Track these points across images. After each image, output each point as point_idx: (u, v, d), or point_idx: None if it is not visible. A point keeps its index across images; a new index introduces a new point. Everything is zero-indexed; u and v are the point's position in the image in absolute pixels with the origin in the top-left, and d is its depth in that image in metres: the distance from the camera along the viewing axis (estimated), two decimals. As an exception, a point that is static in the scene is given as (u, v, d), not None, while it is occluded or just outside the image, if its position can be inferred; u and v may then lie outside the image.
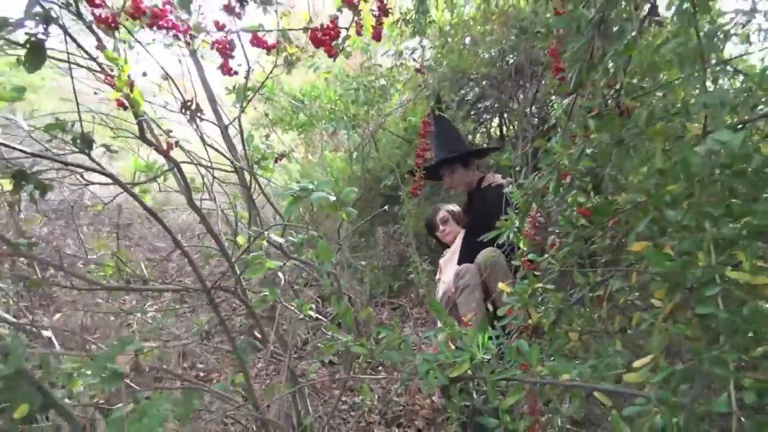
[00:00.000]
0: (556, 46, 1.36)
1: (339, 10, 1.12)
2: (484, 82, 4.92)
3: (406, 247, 4.93)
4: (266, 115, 4.29)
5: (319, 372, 3.51)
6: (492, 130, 5.65)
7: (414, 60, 3.85)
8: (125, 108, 0.91)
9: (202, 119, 1.50)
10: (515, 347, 1.04)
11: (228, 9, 0.79)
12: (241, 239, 1.22)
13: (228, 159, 1.58)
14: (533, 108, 4.79)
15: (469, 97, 5.20)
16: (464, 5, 4.12)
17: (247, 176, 1.76)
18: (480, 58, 4.51)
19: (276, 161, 1.99)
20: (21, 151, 0.91)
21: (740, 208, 0.81)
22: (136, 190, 1.42)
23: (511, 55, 4.29)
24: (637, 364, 0.97)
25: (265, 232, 1.16)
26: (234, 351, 1.20)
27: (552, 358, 1.13)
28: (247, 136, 1.60)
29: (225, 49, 0.87)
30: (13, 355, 1.00)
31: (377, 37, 1.27)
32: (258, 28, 0.86)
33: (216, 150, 1.57)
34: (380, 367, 3.96)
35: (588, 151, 1.09)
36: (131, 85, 0.84)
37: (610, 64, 1.17)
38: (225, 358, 2.52)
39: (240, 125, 1.53)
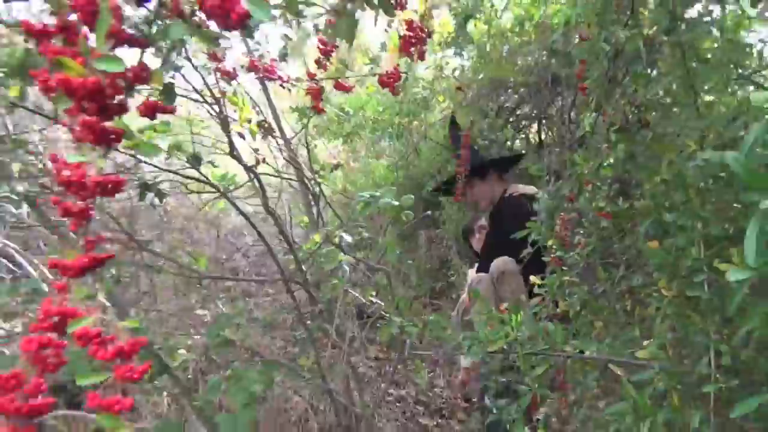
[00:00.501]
0: (581, 69, 1.56)
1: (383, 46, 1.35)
2: (522, 90, 5.06)
3: (447, 251, 5.13)
4: (314, 126, 4.58)
5: (366, 364, 3.75)
6: (531, 136, 5.79)
7: (455, 78, 4.05)
8: (242, 137, 1.18)
9: (273, 136, 1.76)
10: (543, 328, 1.25)
11: (318, 62, 1.02)
12: (316, 237, 1.47)
13: (297, 169, 1.84)
14: (572, 114, 4.90)
15: (507, 104, 5.36)
16: (500, 17, 4.30)
17: (308, 183, 2.01)
18: (518, 66, 4.67)
19: (332, 171, 2.25)
20: (154, 166, 1.19)
21: (725, 212, 1.00)
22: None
23: (548, 63, 4.44)
24: (647, 343, 1.16)
25: (338, 231, 1.41)
26: (308, 331, 1.45)
27: (575, 339, 1.32)
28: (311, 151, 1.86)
29: (317, 94, 1.11)
30: (141, 331, 1.28)
31: (421, 57, 1.49)
32: (341, 75, 1.10)
33: (290, 162, 1.83)
34: (423, 363, 4.18)
35: (605, 163, 1.29)
36: (249, 121, 1.10)
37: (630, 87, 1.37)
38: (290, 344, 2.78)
39: (306, 140, 1.79)
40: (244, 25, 0.51)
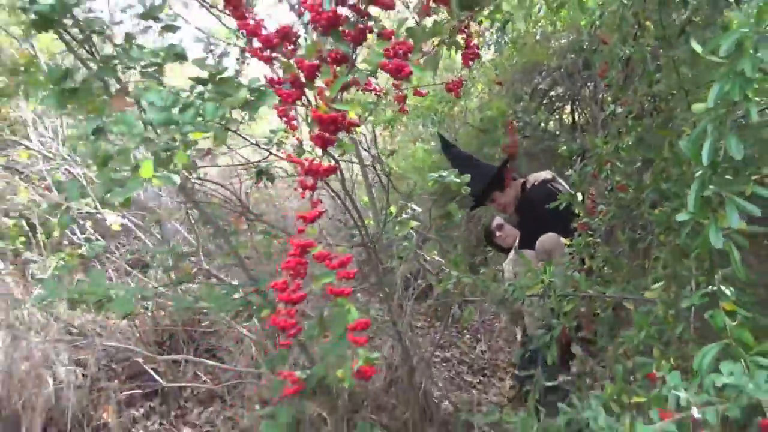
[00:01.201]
0: (603, 69, 1.89)
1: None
2: (555, 72, 5.29)
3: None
4: (359, 116, 4.95)
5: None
6: (564, 117, 6.02)
7: (491, 65, 4.34)
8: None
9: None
10: (570, 276, 1.61)
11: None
12: (392, 208, 1.85)
13: (369, 155, 2.21)
14: (602, 95, 5.11)
15: (541, 86, 5.60)
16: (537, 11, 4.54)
17: (375, 166, 2.39)
18: (551, 50, 4.91)
19: (388, 156, 2.63)
20: (269, 152, 1.59)
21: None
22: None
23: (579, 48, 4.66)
24: (654, 286, 1.51)
25: (409, 204, 1.79)
26: (384, 286, 1.84)
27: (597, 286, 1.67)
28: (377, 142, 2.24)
29: (402, 99, 1.46)
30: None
31: (466, 63, 1.81)
32: (419, 85, 1.43)
33: (365, 150, 2.21)
34: (465, 331, 4.56)
35: (623, 144, 1.62)
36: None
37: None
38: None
39: (374, 130, 2.16)
40: (408, 79, 0.90)
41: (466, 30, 1.28)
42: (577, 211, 1.84)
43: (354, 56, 0.99)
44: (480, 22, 1.30)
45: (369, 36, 0.98)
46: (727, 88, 0.84)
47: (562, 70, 4.95)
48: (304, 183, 0.92)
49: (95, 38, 1.16)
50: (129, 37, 1.16)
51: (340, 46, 0.94)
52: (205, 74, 1.16)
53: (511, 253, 3.09)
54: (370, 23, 0.97)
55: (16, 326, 1.94)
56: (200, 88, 1.17)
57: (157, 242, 2.42)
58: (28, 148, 2.36)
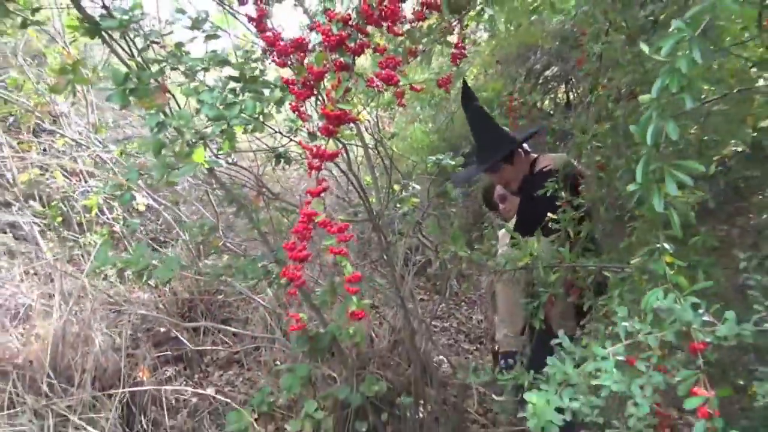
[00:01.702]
0: (580, 60, 2.08)
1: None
2: (548, 54, 5.42)
3: (480, 207, 5.68)
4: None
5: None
6: (559, 96, 6.18)
7: (485, 46, 4.48)
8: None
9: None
10: (557, 250, 1.82)
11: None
12: (395, 186, 2.05)
13: (372, 138, 2.41)
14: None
15: (536, 66, 5.74)
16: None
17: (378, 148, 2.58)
18: (545, 32, 5.04)
19: (389, 138, 2.82)
20: (290, 138, 1.79)
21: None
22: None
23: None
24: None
25: (411, 183, 1.99)
26: (386, 255, 2.05)
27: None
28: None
29: (400, 94, 1.66)
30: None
31: (454, 61, 1.99)
32: (414, 82, 1.63)
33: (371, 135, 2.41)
34: (462, 303, 4.81)
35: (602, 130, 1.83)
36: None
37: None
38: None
39: (377, 116, 2.35)
40: (396, 85, 1.10)
41: (455, 31, 1.49)
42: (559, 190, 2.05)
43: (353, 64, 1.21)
44: (466, 26, 1.48)
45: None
46: (667, 82, 1.04)
47: (555, 50, 5.08)
48: (311, 164, 1.13)
49: (140, 42, 1.35)
50: (179, 45, 1.36)
51: (344, 58, 1.15)
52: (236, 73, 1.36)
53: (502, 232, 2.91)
54: (367, 39, 1.19)
55: (66, 295, 2.16)
56: (232, 84, 1.37)
57: (177, 220, 2.63)
58: (63, 136, 2.55)
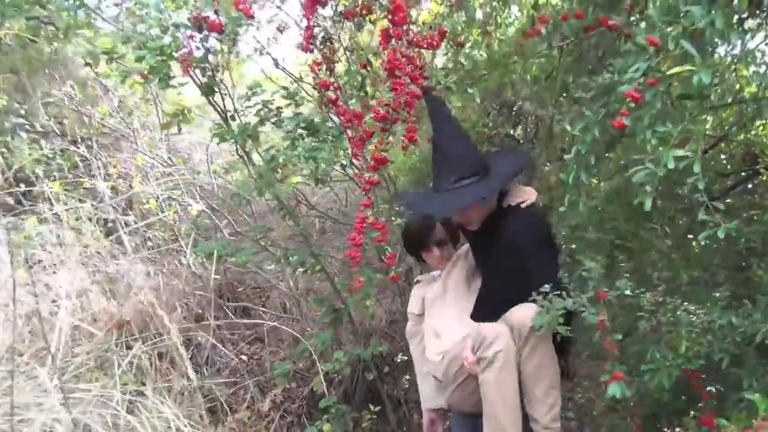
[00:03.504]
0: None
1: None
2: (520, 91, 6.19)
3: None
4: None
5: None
6: (529, 127, 6.97)
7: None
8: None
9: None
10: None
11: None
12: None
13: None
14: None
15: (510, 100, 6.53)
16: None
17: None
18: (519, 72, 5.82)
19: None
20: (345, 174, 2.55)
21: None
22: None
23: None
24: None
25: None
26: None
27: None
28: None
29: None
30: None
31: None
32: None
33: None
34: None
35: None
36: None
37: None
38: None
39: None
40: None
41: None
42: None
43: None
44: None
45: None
46: (580, 148, 1.78)
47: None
48: (365, 188, 1.91)
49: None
50: (256, 85, 2.14)
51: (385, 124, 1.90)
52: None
53: (435, 285, 2.23)
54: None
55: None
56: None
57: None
58: (144, 154, 3.27)
